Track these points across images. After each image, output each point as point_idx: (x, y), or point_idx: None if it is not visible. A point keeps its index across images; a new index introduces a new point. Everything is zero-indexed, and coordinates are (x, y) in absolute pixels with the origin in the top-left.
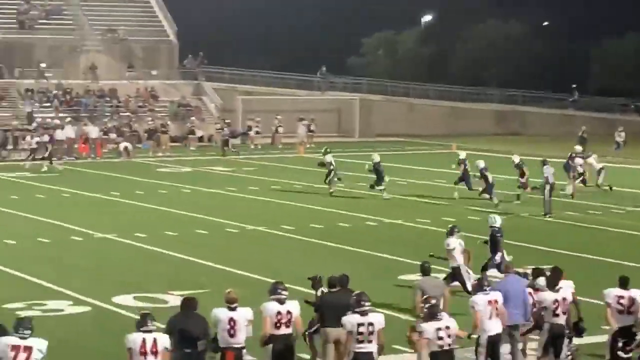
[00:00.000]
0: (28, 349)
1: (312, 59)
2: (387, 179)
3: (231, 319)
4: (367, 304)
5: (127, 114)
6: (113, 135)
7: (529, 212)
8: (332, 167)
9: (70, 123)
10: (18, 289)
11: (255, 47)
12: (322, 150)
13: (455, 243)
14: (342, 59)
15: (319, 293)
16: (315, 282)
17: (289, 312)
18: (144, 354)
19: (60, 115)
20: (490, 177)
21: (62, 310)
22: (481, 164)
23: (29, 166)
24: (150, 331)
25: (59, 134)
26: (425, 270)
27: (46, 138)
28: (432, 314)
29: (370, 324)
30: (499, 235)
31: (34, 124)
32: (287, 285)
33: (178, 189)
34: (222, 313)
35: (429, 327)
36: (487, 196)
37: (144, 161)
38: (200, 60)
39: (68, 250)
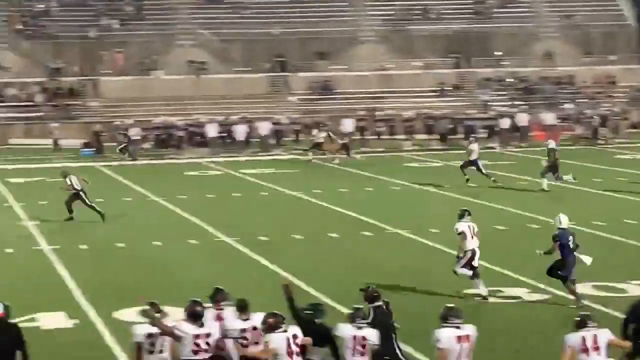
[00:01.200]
0: (467, 337)
1: None
2: None
3: None
4: None
5: (584, 100)
6: (569, 123)
7: None
8: (474, 157)
9: (525, 111)
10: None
11: None
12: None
13: (463, 226)
14: None
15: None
16: (368, 294)
17: None
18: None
19: (515, 102)
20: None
21: (519, 297)
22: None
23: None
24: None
25: (503, 123)
26: None
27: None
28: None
29: None
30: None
31: (492, 112)
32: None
33: (637, 176)
34: None
35: None
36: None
37: (601, 148)
38: None
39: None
